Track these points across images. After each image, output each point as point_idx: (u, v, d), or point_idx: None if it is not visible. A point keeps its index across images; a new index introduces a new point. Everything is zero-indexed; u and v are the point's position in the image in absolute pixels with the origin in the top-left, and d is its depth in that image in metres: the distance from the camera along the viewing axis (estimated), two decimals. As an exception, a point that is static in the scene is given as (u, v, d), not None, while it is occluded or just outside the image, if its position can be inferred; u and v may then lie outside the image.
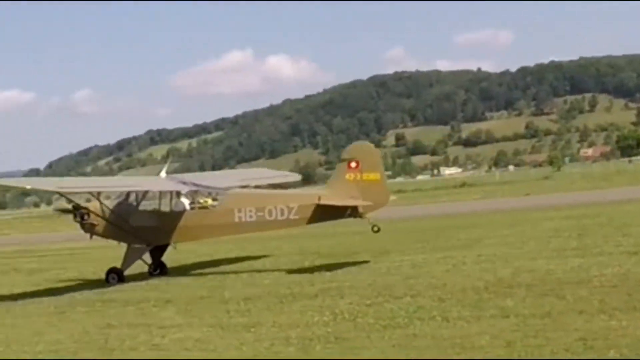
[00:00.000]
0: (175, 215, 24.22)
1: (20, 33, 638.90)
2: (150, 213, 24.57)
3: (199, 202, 24.42)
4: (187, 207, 24.45)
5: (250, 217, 23.15)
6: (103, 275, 24.54)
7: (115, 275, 24.11)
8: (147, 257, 24.96)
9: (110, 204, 25.20)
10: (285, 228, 24.75)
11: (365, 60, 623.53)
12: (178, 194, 24.76)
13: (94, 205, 25.01)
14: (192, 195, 24.63)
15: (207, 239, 25.78)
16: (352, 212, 22.87)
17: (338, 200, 22.62)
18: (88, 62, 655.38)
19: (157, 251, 25.18)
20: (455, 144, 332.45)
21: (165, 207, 24.51)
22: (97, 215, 24.55)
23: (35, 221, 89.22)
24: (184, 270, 24.76)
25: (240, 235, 26.04)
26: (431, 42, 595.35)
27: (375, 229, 22.85)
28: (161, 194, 24.78)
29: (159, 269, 25.28)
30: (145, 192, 24.87)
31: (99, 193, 24.96)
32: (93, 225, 24.90)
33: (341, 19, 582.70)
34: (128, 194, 25.21)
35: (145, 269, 25.19)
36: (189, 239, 24.99)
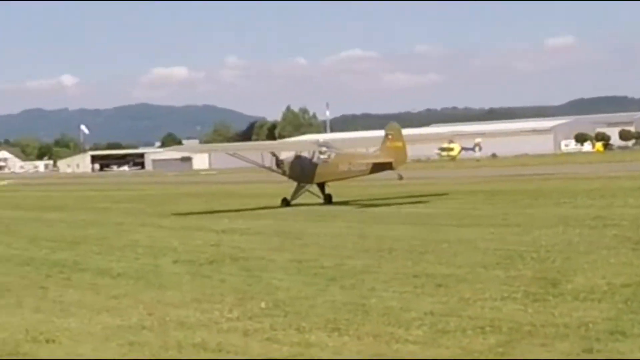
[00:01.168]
0: (316, 166, 35.85)
1: None
2: (306, 164, 36.36)
3: (325, 158, 35.86)
4: (322, 161, 36.05)
5: (345, 168, 35.08)
6: None
7: (285, 202, 35.45)
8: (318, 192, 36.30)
9: (290, 158, 37.65)
10: (360, 176, 35.82)
11: None
12: (320, 152, 36.40)
13: (286, 160, 37.48)
14: (326, 153, 36.09)
15: (327, 181, 36.16)
16: (389, 166, 33.61)
17: (383, 159, 33.63)
18: None
19: (320, 188, 36.33)
20: None
21: (312, 161, 36.31)
22: (286, 165, 37.16)
23: None
24: None
25: (340, 180, 36.08)
26: None
27: (399, 177, 34.72)
28: (313, 152, 36.79)
29: (327, 199, 36.13)
30: (311, 152, 36.97)
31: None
32: (284, 172, 37.36)
33: None
34: (297, 152, 38.20)
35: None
36: (319, 181, 36.08)
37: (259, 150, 42.17)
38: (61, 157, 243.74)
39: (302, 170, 36.21)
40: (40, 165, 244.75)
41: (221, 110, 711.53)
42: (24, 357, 9.86)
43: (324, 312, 11.80)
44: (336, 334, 10.51)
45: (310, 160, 36.27)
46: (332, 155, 35.92)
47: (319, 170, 35.62)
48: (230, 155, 40.08)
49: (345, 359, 9.47)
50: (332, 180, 35.81)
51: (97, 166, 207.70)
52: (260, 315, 11.82)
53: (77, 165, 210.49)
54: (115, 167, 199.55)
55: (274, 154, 38.33)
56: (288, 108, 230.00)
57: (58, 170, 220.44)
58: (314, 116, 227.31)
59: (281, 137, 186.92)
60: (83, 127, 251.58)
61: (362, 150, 38.82)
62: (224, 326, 11.25)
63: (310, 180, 35.94)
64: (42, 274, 16.53)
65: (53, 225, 29.56)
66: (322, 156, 36.03)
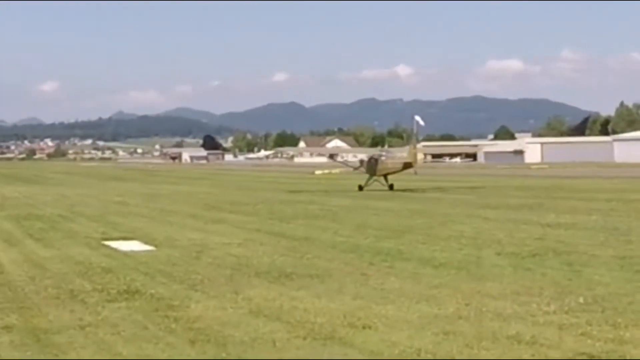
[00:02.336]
0: (378, 164, 49.79)
1: None
2: (373, 163, 50.23)
3: (383, 160, 50.12)
4: (381, 162, 50.01)
5: (390, 166, 49.63)
6: None
7: (360, 188, 48.58)
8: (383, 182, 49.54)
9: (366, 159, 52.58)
10: (398, 171, 49.60)
11: None
12: (380, 155, 51.21)
13: (364, 160, 52.69)
14: (384, 156, 50.82)
15: (383, 175, 49.59)
16: (410, 165, 49.13)
17: (408, 160, 49.51)
18: None
19: (384, 179, 49.48)
20: None
21: (378, 161, 50.07)
22: (364, 164, 51.95)
23: None
24: None
25: (388, 174, 49.68)
26: None
27: (414, 172, 50.99)
28: (378, 156, 51.41)
29: (390, 187, 48.73)
30: (377, 155, 52.14)
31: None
32: (363, 167, 52.02)
33: None
34: (369, 156, 53.29)
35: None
36: (379, 174, 49.50)
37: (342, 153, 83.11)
38: (393, 147, 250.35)
39: (371, 167, 50.38)
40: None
41: (555, 104, 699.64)
42: (339, 342, 10.19)
43: (642, 309, 11.46)
44: (651, 331, 10.16)
45: (377, 160, 50.35)
46: (385, 157, 50.66)
47: (378, 167, 49.92)
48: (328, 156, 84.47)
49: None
50: (385, 174, 49.84)
51: (429, 157, 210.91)
52: (577, 310, 11.62)
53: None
54: (447, 159, 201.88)
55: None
56: (622, 104, 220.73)
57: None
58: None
59: (614, 132, 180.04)
60: (418, 118, 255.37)
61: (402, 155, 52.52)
62: (540, 319, 11.17)
63: (375, 174, 49.96)
64: (365, 262, 17.01)
65: (380, 214, 30.41)
66: (382, 158, 50.54)
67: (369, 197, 41.74)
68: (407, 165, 49.26)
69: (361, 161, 54.53)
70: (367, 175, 50.49)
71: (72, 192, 50.21)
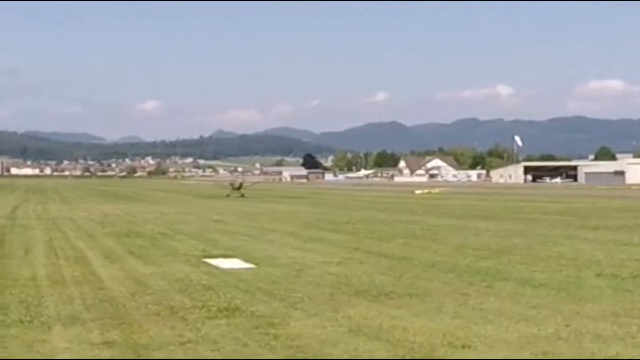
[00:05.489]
0: (234, 184, 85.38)
1: None
2: (231, 183, 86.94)
3: (235, 181, 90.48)
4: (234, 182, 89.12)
5: (236, 184, 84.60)
6: None
7: (227, 196, 78.28)
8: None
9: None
10: (240, 189, 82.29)
11: None
12: (234, 180, 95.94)
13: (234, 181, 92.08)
14: (235, 180, 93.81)
15: (237, 189, 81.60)
16: (242, 186, 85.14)
17: (241, 181, 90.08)
18: None
19: (238, 191, 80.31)
20: None
21: (234, 182, 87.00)
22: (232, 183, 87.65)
23: None
24: None
25: (237, 189, 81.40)
26: None
27: (245, 187, 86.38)
28: (234, 180, 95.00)
29: (242, 195, 77.48)
30: (233, 179, 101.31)
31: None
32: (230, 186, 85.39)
33: None
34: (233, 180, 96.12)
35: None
36: (234, 189, 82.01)
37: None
38: (494, 167, 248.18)
39: (231, 185, 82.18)
40: (473, 174, 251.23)
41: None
42: (438, 361, 10.18)
43: None
44: None
45: (233, 182, 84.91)
46: (236, 180, 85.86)
47: (233, 185, 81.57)
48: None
49: None
50: (236, 189, 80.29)
51: (529, 177, 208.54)
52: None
53: (510, 176, 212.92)
54: (547, 179, 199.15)
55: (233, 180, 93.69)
56: None
57: (490, 180, 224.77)
58: None
59: None
60: (517, 138, 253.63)
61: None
62: (640, 341, 11.01)
63: (233, 188, 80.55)
64: (464, 281, 16.88)
65: (480, 234, 30.12)
66: (235, 181, 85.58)
67: (469, 218, 41.36)
68: (240, 185, 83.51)
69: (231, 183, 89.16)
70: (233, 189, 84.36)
71: (172, 210, 51.05)
